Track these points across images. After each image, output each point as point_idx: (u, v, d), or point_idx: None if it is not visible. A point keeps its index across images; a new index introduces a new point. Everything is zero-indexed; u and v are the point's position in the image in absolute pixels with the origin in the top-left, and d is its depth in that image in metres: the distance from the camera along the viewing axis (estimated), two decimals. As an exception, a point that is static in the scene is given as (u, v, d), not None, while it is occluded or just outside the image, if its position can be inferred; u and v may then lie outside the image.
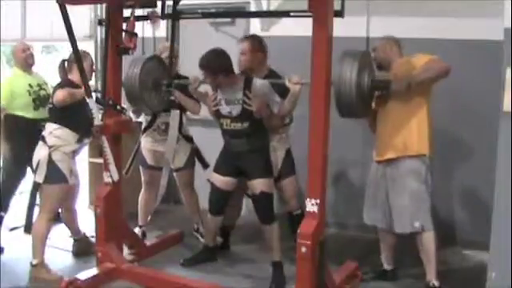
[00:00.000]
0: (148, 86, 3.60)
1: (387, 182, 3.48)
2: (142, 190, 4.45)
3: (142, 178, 4.43)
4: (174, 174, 4.38)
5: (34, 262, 3.58)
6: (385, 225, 3.57)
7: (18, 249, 4.04)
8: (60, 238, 4.23)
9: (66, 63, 3.80)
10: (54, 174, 3.59)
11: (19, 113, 4.17)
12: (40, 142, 3.66)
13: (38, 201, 3.71)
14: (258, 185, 3.62)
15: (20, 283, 3.59)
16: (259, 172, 3.64)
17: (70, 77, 3.77)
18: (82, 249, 4.10)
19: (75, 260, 4.07)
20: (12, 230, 4.47)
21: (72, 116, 3.62)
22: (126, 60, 3.57)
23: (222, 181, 3.78)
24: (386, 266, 3.73)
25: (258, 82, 3.58)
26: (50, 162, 3.59)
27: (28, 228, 3.74)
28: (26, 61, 4.29)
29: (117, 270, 3.52)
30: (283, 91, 3.44)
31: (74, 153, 3.75)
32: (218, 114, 3.69)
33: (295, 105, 3.45)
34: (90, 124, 3.54)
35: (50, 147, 3.60)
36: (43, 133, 3.68)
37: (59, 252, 4.11)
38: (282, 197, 4.07)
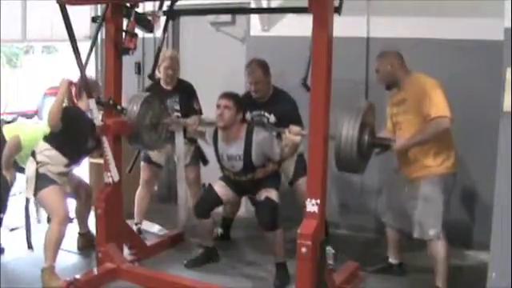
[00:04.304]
0: (147, 125, 3.59)
1: (407, 191, 3.47)
2: (140, 187, 4.47)
3: (141, 175, 4.44)
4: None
5: (44, 265, 3.52)
6: (397, 225, 3.58)
7: (18, 249, 4.04)
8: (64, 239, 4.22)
9: (73, 88, 3.65)
10: (43, 180, 3.59)
11: None
12: (30, 158, 3.67)
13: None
14: (264, 192, 3.63)
15: (20, 284, 3.59)
16: (266, 184, 3.67)
17: (79, 104, 3.70)
18: (85, 243, 4.14)
19: (78, 259, 4.07)
20: (12, 230, 4.47)
21: (65, 141, 3.61)
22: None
23: (224, 190, 3.79)
24: (392, 261, 3.75)
25: (259, 136, 3.57)
26: (38, 174, 3.59)
27: (30, 245, 3.76)
28: None
29: (117, 270, 3.53)
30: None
31: (61, 174, 3.69)
32: (220, 165, 3.75)
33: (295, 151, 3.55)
34: (81, 152, 3.58)
35: (37, 163, 3.61)
36: (35, 149, 3.69)
37: (62, 252, 4.10)
38: (297, 200, 4.01)
